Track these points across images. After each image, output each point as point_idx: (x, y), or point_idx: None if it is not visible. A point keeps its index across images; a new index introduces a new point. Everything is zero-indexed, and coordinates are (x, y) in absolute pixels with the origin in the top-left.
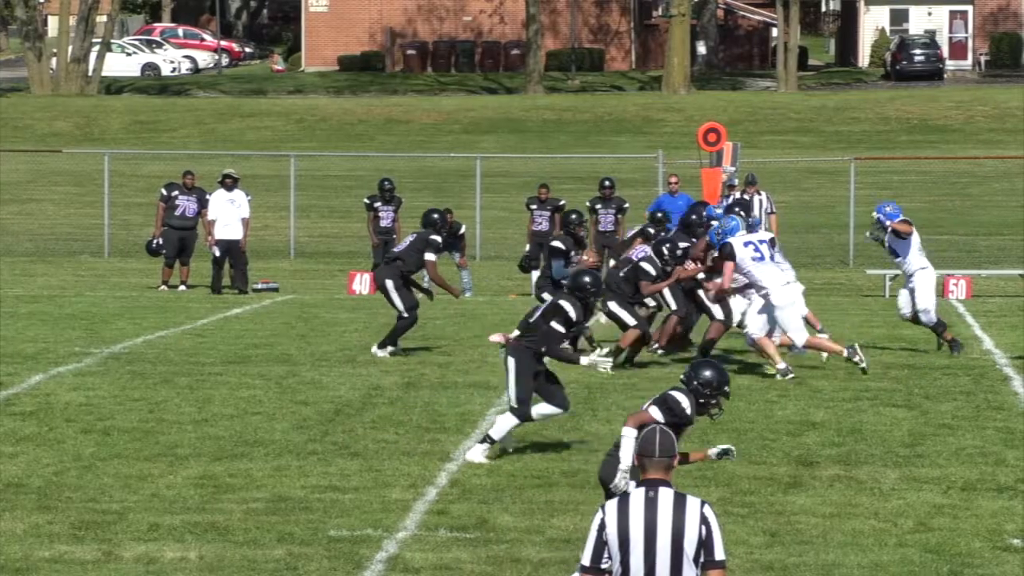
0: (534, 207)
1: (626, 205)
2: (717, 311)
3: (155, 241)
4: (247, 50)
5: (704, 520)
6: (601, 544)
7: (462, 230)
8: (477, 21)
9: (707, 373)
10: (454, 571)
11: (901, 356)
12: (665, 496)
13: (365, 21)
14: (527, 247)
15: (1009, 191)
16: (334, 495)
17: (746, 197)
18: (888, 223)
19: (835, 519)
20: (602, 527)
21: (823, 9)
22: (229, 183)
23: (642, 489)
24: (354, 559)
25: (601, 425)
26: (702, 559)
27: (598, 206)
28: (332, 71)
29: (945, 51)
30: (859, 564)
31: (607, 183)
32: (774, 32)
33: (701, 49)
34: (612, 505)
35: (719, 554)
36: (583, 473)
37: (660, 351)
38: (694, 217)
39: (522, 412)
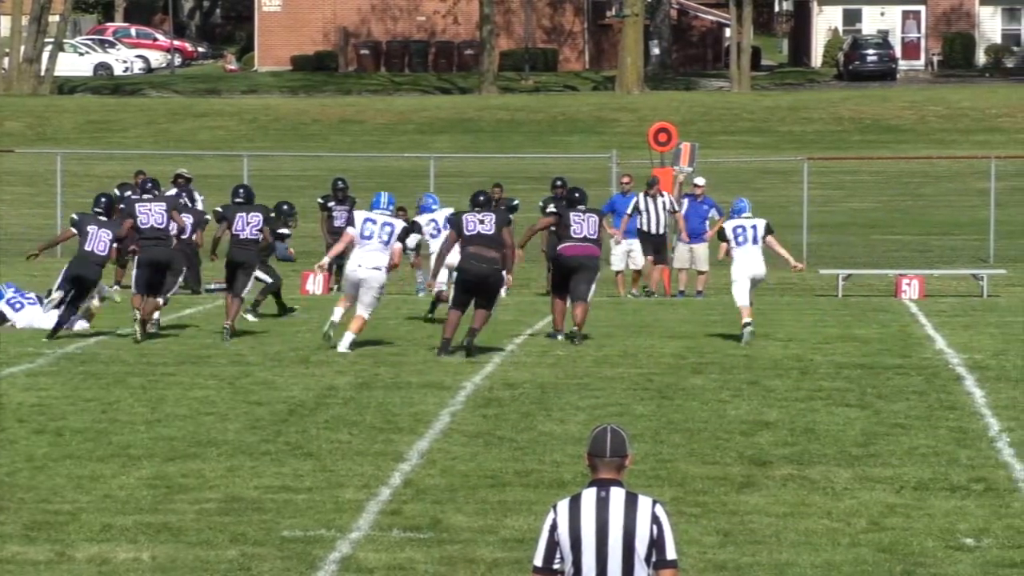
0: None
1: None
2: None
3: None
4: (200, 50)
5: (655, 519)
6: (553, 544)
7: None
8: (431, 21)
9: None
10: (407, 571)
11: (854, 356)
12: (616, 496)
13: (318, 21)
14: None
15: (961, 191)
16: (287, 495)
17: (649, 199)
18: None
19: (788, 519)
20: (554, 527)
21: (776, 9)
22: (182, 183)
23: (593, 489)
24: (307, 559)
25: (555, 425)
26: (654, 558)
27: (551, 206)
28: (285, 71)
29: (898, 51)
30: (812, 564)
31: (559, 183)
32: (727, 32)
33: (654, 49)
34: (563, 505)
35: (671, 553)
36: (536, 473)
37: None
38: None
39: None
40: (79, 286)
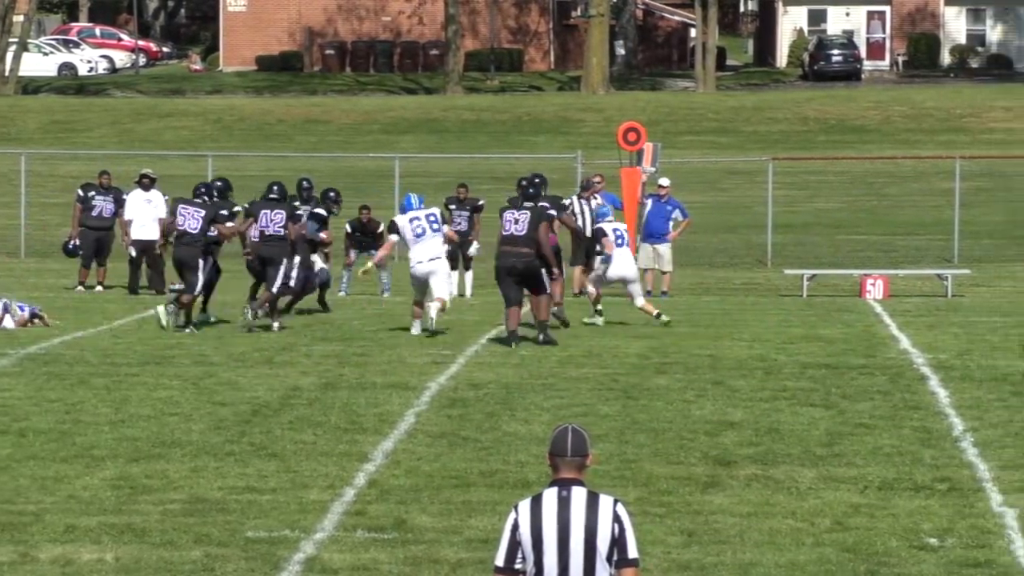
0: (453, 207)
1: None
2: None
3: (72, 242)
4: (165, 50)
5: (617, 518)
6: (515, 544)
7: (380, 228)
8: (396, 21)
9: None
10: (372, 572)
11: (818, 356)
12: (578, 495)
13: (284, 21)
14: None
15: (926, 191)
16: (251, 496)
17: (583, 201)
18: None
19: (752, 518)
20: (515, 527)
21: (741, 10)
22: (147, 183)
23: (555, 488)
24: (271, 560)
25: (520, 425)
26: (615, 557)
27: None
28: (250, 71)
29: (863, 51)
30: (776, 563)
31: (524, 183)
32: (693, 33)
33: (620, 50)
34: (525, 505)
35: (632, 552)
36: (501, 473)
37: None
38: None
39: None
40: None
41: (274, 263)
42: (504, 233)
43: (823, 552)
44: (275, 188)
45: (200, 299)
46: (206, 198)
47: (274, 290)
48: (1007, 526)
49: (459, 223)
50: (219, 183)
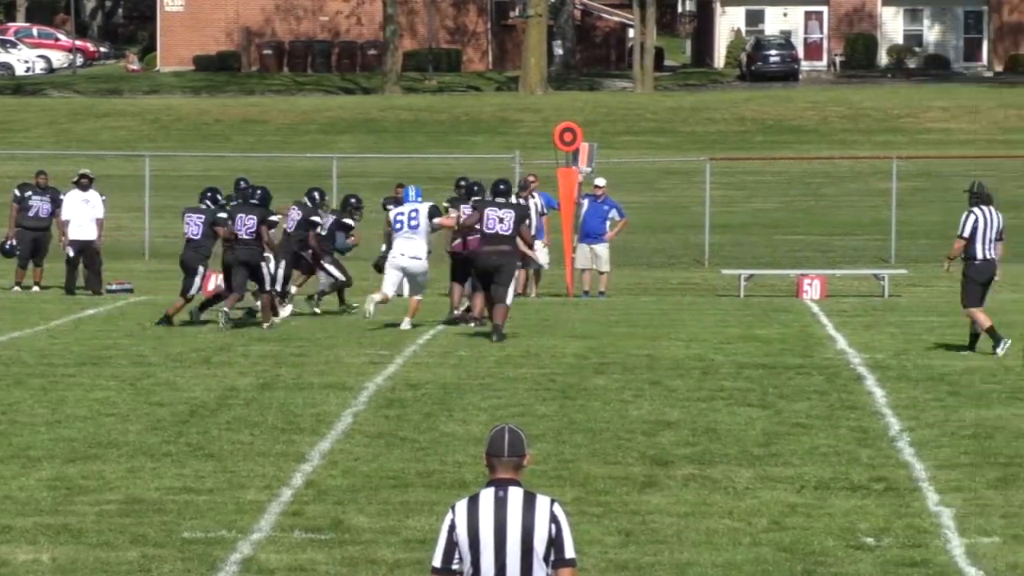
0: (391, 207)
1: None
2: None
3: (8, 242)
4: (102, 50)
5: (554, 518)
6: (451, 544)
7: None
8: (334, 21)
9: None
10: (309, 572)
11: (756, 356)
12: (515, 495)
13: (221, 21)
14: (383, 247)
15: (863, 191)
16: (188, 496)
17: (521, 201)
18: None
19: (690, 518)
20: (452, 527)
21: (679, 10)
22: (85, 183)
23: (492, 489)
24: (208, 561)
25: (457, 425)
26: (552, 557)
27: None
28: (188, 71)
29: (800, 52)
30: (713, 563)
31: (462, 183)
32: (631, 33)
33: (558, 50)
34: (462, 505)
35: (569, 552)
36: (438, 474)
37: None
38: None
39: None
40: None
41: (248, 266)
42: (487, 231)
43: (760, 552)
44: (258, 193)
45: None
46: (208, 203)
47: (268, 288)
48: (943, 525)
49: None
50: (260, 191)
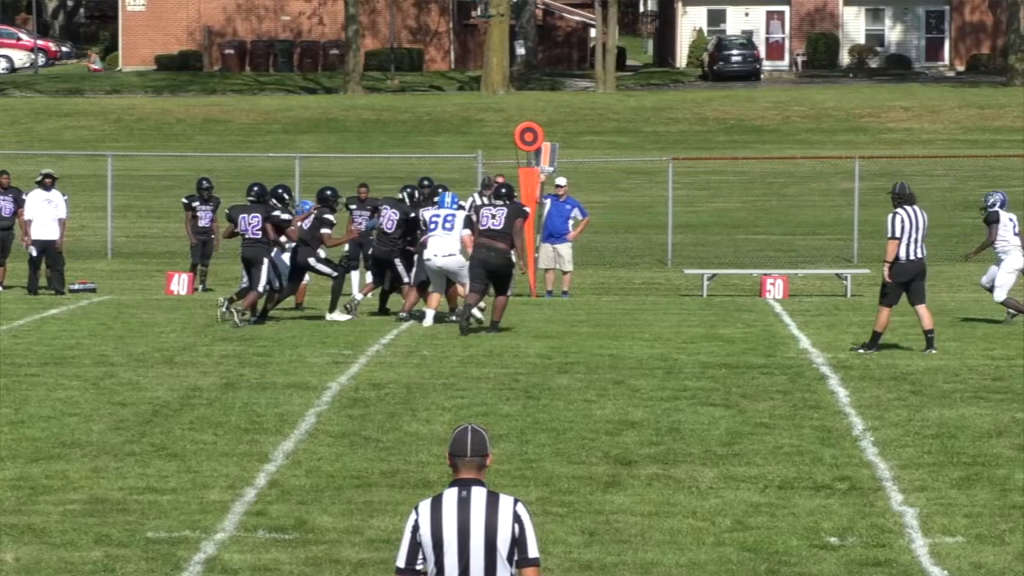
0: (353, 207)
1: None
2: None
3: None
4: (64, 49)
5: (517, 518)
6: (415, 545)
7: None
8: (296, 21)
9: None
10: (273, 572)
11: (719, 355)
12: (478, 495)
13: (183, 20)
14: (346, 247)
15: (825, 191)
16: (152, 496)
17: (484, 200)
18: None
19: (653, 518)
20: (416, 528)
21: (641, 10)
22: (48, 183)
23: (455, 489)
24: (172, 560)
25: (421, 425)
26: (516, 557)
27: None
28: (150, 70)
29: (762, 52)
30: (677, 563)
31: (426, 183)
32: (593, 33)
33: (520, 49)
34: (425, 505)
35: (533, 552)
36: (402, 473)
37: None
38: None
39: None
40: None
41: (255, 264)
42: (481, 227)
43: (724, 551)
44: (253, 190)
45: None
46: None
47: (259, 289)
48: (907, 525)
49: (359, 223)
50: (328, 191)
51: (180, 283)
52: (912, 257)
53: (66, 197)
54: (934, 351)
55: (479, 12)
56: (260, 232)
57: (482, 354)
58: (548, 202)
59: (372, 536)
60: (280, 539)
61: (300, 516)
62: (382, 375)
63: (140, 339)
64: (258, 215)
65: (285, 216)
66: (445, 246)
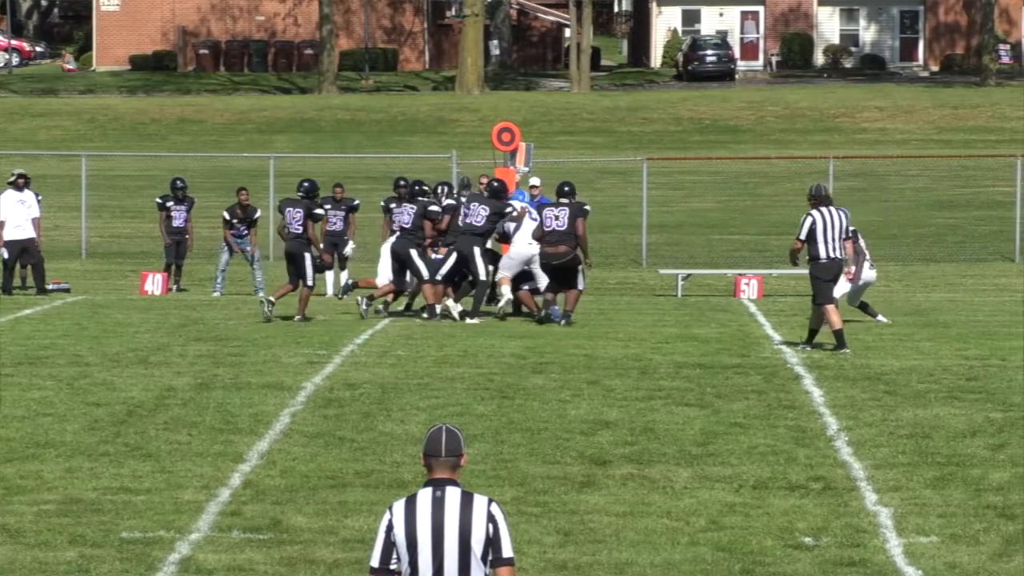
0: (328, 207)
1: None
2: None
3: None
4: (38, 49)
5: (491, 518)
6: (389, 544)
7: (257, 215)
8: (271, 21)
9: None
10: (247, 572)
11: (693, 355)
12: (452, 495)
13: (157, 20)
14: (320, 246)
15: (799, 191)
16: (126, 496)
17: (462, 199)
18: None
19: (628, 518)
20: (390, 528)
21: (616, 10)
22: (21, 183)
23: (429, 489)
24: (146, 561)
25: (395, 425)
26: (490, 557)
27: (392, 205)
28: (124, 70)
29: (737, 52)
30: (652, 563)
31: (402, 183)
32: (567, 33)
33: (495, 49)
34: (399, 505)
35: (507, 552)
36: (377, 473)
37: None
38: None
39: None
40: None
41: (295, 260)
42: (546, 228)
43: (698, 551)
44: (304, 185)
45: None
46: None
47: (309, 283)
48: (881, 525)
49: (334, 223)
50: (306, 183)
51: (154, 283)
52: (832, 256)
53: (39, 197)
54: (847, 351)
55: (453, 12)
56: (301, 227)
57: (457, 354)
58: (522, 201)
59: (347, 536)
60: (255, 539)
61: (275, 516)
62: (357, 375)
63: (114, 339)
64: (301, 210)
65: (318, 211)
66: (529, 235)
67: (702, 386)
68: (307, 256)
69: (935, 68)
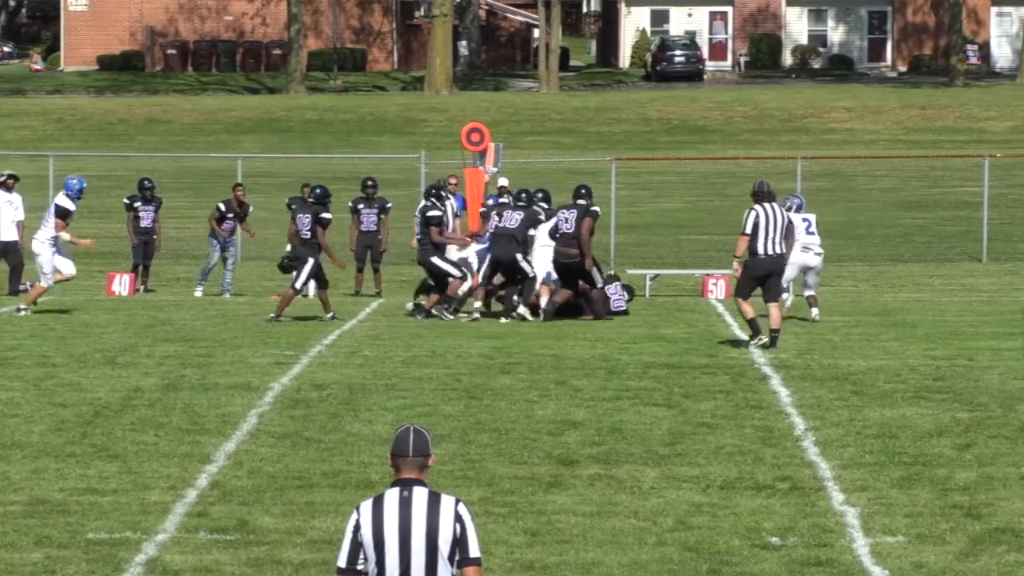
0: (295, 207)
1: (389, 205)
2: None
3: None
4: (6, 49)
5: (458, 518)
6: (356, 545)
7: (250, 210)
8: (239, 21)
9: None
10: (214, 573)
11: (661, 355)
12: (419, 495)
13: (125, 20)
14: (288, 247)
15: None
16: (93, 497)
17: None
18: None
19: (595, 518)
20: (357, 528)
21: (584, 10)
22: (10, 184)
23: (396, 489)
24: (113, 562)
25: (363, 426)
26: (457, 557)
27: (360, 206)
28: (92, 71)
29: (705, 52)
30: (619, 563)
31: (369, 183)
32: (536, 33)
33: (463, 50)
34: (367, 505)
35: (474, 552)
36: (344, 474)
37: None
38: None
39: None
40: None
41: (302, 262)
42: (560, 231)
43: (665, 551)
44: (316, 192)
45: None
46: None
47: (296, 287)
48: (848, 525)
49: (370, 223)
50: (318, 190)
51: (122, 284)
52: (769, 253)
53: (22, 198)
54: (776, 348)
55: (422, 12)
56: (310, 232)
57: (424, 354)
58: (491, 202)
59: (314, 537)
60: (221, 540)
61: (242, 517)
62: (324, 376)
63: (81, 340)
64: (309, 215)
65: (326, 215)
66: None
67: (670, 386)
68: (309, 261)
69: (903, 69)
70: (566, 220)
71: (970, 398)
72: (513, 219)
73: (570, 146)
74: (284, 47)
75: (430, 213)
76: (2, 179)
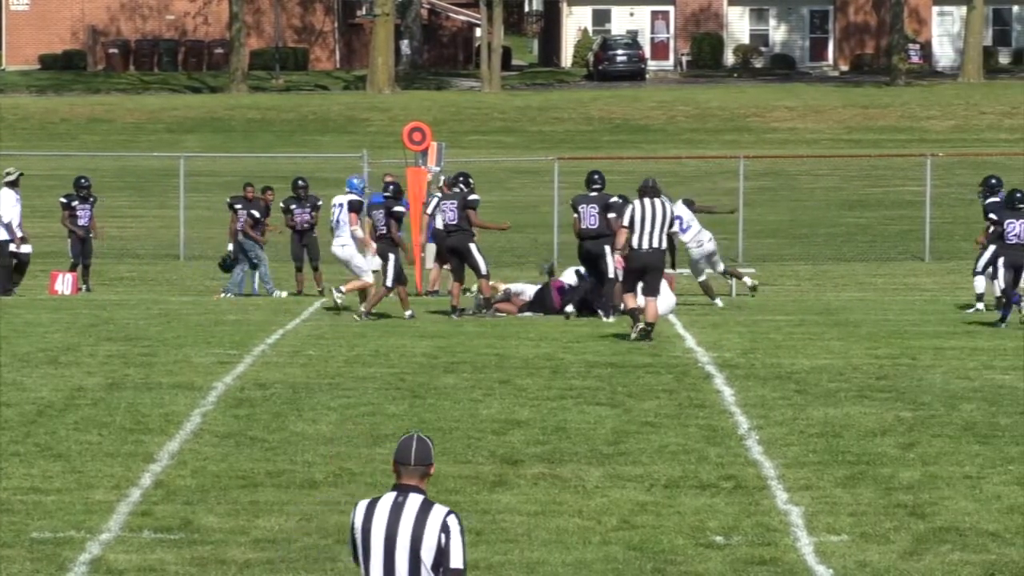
0: (238, 206)
1: (320, 203)
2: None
3: None
4: None
5: (445, 528)
6: (354, 541)
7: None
8: (181, 20)
9: None
10: (158, 572)
11: (604, 355)
12: (412, 502)
13: (67, 20)
14: (229, 246)
15: (710, 191)
16: (36, 497)
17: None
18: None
19: (540, 517)
20: (353, 525)
21: (526, 10)
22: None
23: (393, 493)
24: (57, 561)
25: (307, 425)
26: (441, 567)
27: (293, 205)
28: (34, 70)
29: (647, 52)
30: (563, 562)
31: (300, 182)
32: (478, 32)
33: (405, 49)
34: (363, 505)
35: (456, 562)
36: (288, 473)
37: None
38: None
39: None
40: None
41: (382, 259)
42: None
43: (610, 550)
44: (389, 187)
45: None
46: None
47: (388, 285)
48: (792, 523)
49: (241, 224)
50: (392, 185)
51: (64, 283)
52: (646, 247)
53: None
54: (651, 342)
55: (364, 11)
56: (385, 228)
57: (368, 354)
58: (434, 201)
59: (258, 536)
60: (166, 539)
61: (186, 516)
62: (268, 375)
63: (24, 339)
64: (383, 211)
65: (398, 209)
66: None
67: (613, 385)
68: (391, 257)
69: (845, 68)
70: (591, 216)
71: (913, 397)
72: (591, 216)
73: (513, 145)
74: (226, 46)
75: (471, 197)
76: (12, 178)
